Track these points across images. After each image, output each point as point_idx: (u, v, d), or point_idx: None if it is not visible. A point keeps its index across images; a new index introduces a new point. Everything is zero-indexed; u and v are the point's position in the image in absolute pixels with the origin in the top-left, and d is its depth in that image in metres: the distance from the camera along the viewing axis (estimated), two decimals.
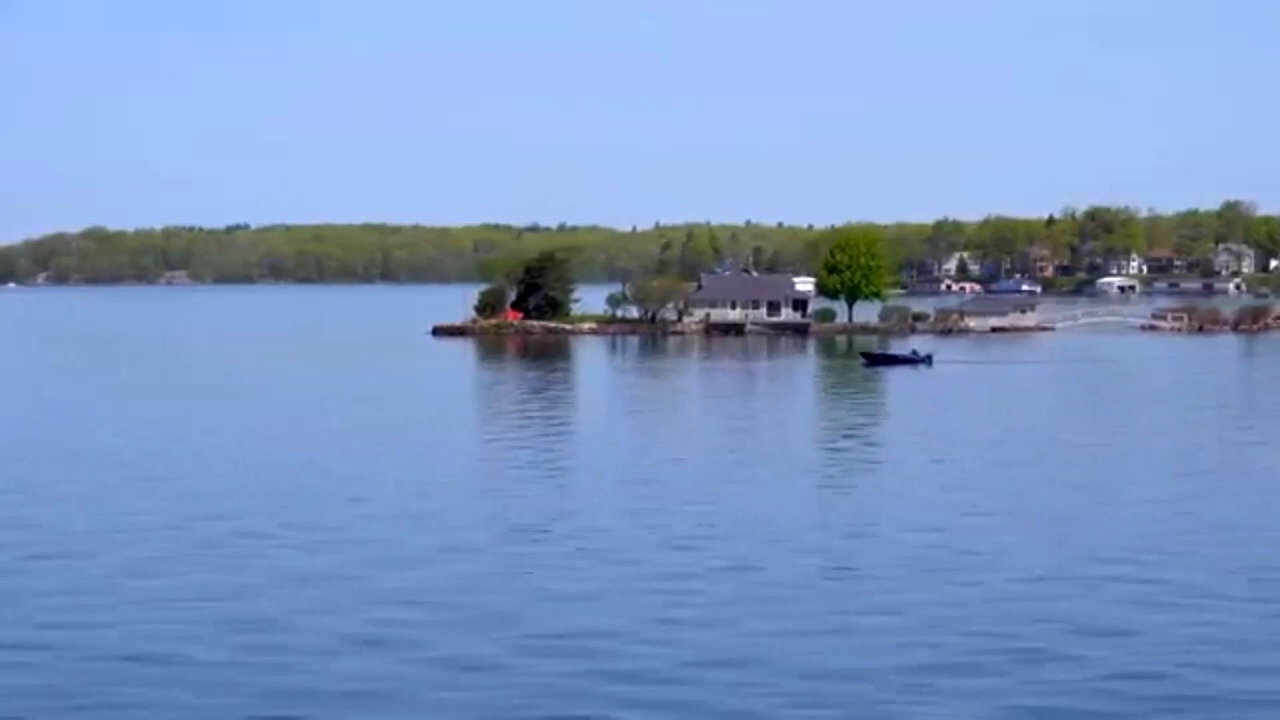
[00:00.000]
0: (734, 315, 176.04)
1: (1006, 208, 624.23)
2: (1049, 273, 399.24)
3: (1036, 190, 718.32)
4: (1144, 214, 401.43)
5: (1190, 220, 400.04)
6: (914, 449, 64.35)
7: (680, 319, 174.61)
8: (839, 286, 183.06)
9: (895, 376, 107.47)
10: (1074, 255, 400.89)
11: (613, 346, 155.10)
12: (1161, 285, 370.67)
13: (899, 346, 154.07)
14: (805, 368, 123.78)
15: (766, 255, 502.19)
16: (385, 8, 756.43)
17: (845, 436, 69.85)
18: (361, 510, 47.74)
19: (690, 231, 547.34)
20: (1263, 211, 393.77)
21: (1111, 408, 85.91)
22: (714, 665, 29.26)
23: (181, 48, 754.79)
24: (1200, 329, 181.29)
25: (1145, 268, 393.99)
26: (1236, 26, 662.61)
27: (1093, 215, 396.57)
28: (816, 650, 30.38)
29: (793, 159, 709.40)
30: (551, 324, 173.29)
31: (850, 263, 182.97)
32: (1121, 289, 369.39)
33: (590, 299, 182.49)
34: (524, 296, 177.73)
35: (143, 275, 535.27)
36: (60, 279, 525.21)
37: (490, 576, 37.48)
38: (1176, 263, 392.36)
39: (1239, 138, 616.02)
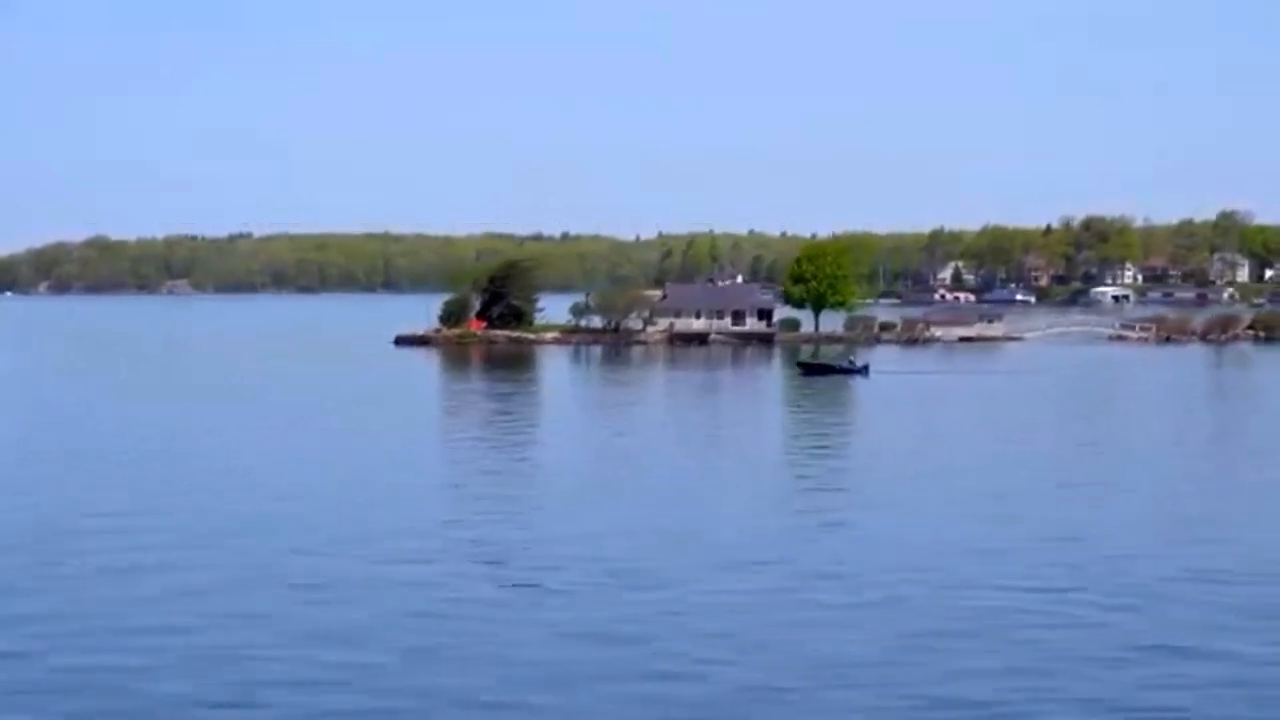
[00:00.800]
0: (698, 325, 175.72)
1: (1006, 215, 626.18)
2: (1044, 282, 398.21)
3: (1036, 195, 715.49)
4: (1139, 223, 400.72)
5: (1185, 230, 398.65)
6: (770, 463, 64.18)
7: (645, 329, 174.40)
8: (805, 296, 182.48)
9: (822, 387, 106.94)
10: (1069, 264, 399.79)
11: (576, 356, 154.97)
12: (1156, 295, 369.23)
13: (863, 356, 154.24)
14: (742, 379, 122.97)
15: (765, 264, 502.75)
16: (387, 10, 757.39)
17: (714, 451, 69.65)
18: (184, 520, 47.90)
19: (690, 240, 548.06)
20: (1260, 220, 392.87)
21: (1004, 423, 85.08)
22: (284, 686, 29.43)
23: (182, 49, 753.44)
24: (1167, 339, 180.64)
25: (1140, 277, 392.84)
26: (1237, 28, 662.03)
27: (1088, 225, 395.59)
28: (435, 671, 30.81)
29: (797, 164, 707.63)
30: (514, 333, 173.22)
31: (816, 273, 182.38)
32: (1116, 298, 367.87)
33: (555, 308, 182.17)
34: (488, 306, 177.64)
35: (144, 284, 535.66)
36: (61, 288, 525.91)
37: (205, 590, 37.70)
38: (1172, 272, 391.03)
39: (1240, 142, 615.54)
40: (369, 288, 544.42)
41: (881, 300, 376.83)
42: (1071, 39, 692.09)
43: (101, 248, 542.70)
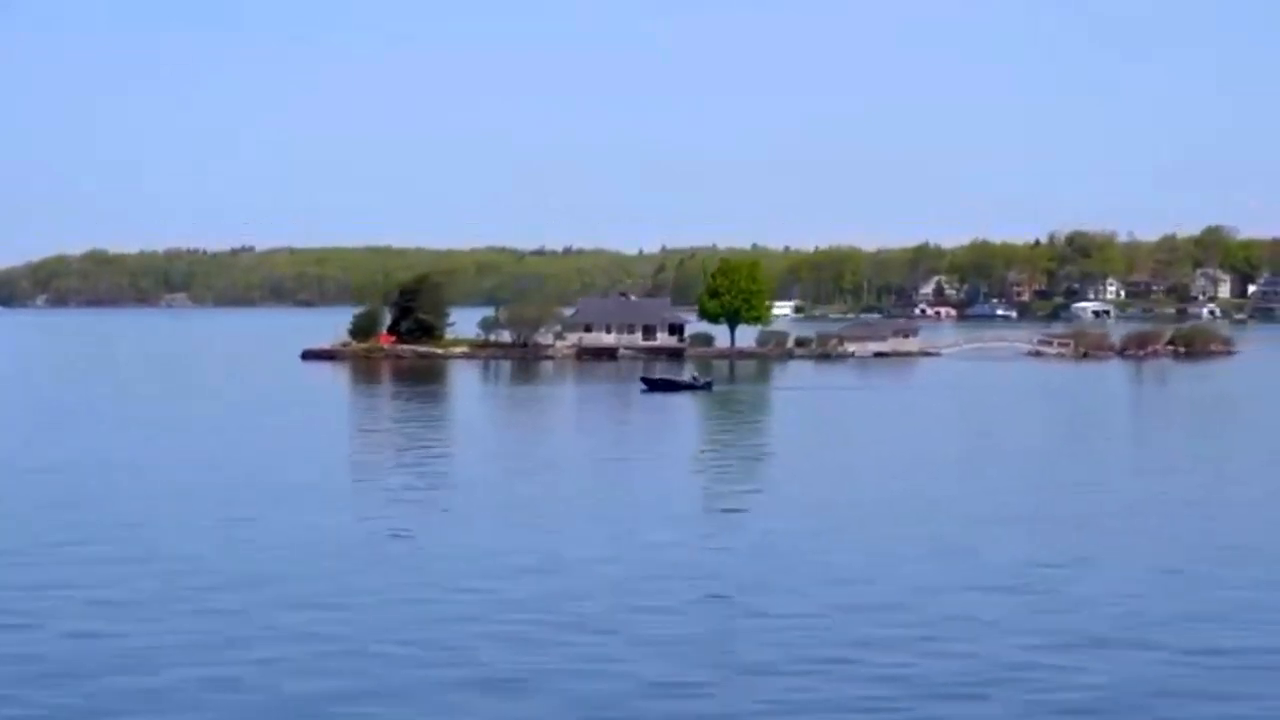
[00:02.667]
0: (609, 340, 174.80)
1: (999, 227, 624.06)
2: (1026, 297, 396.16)
3: (1031, 207, 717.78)
4: (1124, 238, 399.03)
5: (1167, 244, 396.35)
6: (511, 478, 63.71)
7: (555, 343, 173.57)
8: (719, 311, 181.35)
9: (660, 403, 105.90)
10: (1052, 279, 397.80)
11: (485, 371, 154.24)
12: (1136, 310, 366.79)
13: (780, 372, 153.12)
14: (584, 395, 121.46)
15: None
16: (392, 15, 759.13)
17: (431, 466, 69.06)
18: None
19: (690, 254, 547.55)
20: (1245, 235, 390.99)
21: (786, 441, 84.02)
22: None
23: (182, 55, 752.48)
24: (1084, 355, 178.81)
25: (1123, 292, 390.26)
26: (1236, 35, 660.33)
27: (1071, 240, 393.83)
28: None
29: (802, 175, 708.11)
30: (422, 348, 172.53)
31: (731, 287, 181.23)
32: (1096, 314, 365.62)
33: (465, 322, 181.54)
34: (399, 320, 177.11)
35: (143, 297, 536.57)
36: (60, 300, 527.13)
37: None
38: (1155, 287, 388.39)
39: (1233, 155, 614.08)
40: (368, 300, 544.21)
41: (864, 315, 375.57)
42: (1070, 48, 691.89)
43: (100, 261, 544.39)
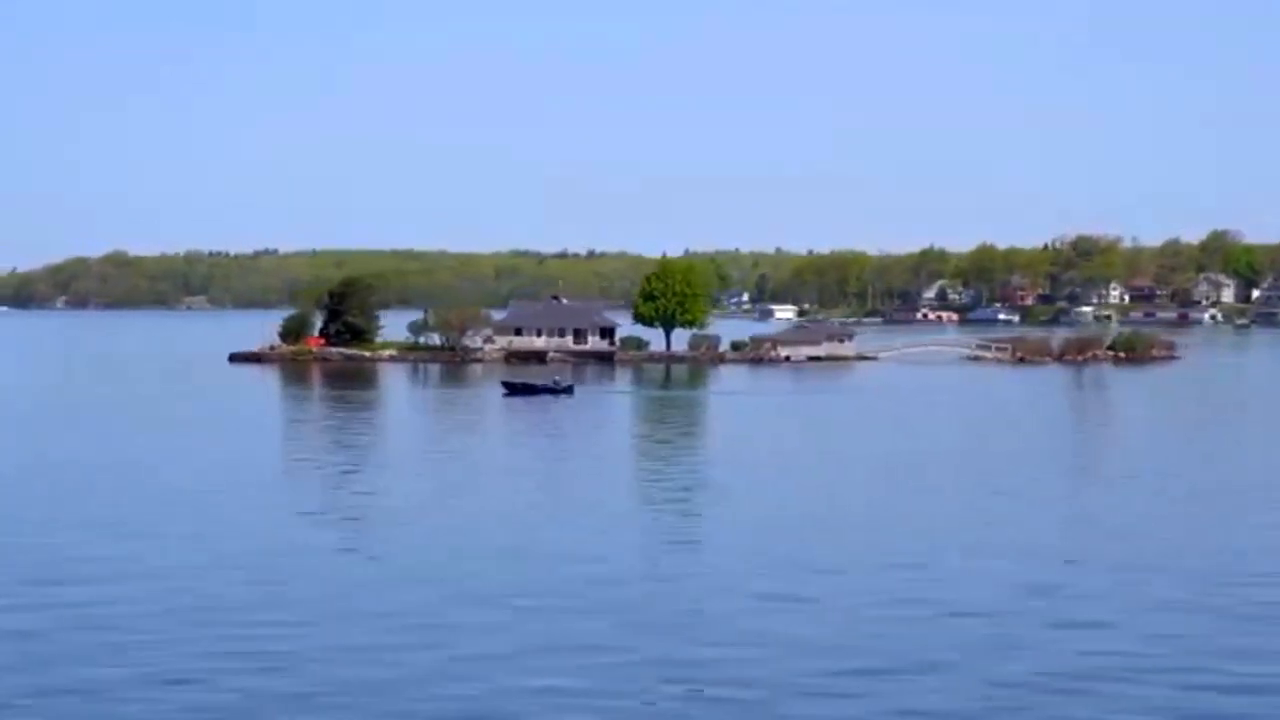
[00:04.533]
0: (539, 343, 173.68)
1: (1004, 232, 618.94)
2: (1029, 301, 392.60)
3: (1034, 211, 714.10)
4: (1128, 243, 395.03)
5: (1170, 249, 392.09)
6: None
7: (484, 347, 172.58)
8: (654, 315, 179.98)
9: (517, 408, 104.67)
10: (1054, 284, 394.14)
11: (414, 374, 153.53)
12: (1138, 315, 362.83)
13: (714, 376, 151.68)
14: (447, 401, 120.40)
15: (770, 283, 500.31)
16: (421, 20, 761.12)
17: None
18: None
19: (710, 258, 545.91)
20: (1249, 240, 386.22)
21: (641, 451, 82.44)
22: None
23: (208, 54, 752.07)
24: (1022, 360, 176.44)
25: (1126, 297, 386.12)
26: (1239, 41, 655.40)
27: (1075, 244, 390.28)
28: None
29: (822, 181, 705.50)
30: (350, 351, 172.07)
31: (666, 290, 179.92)
32: (1097, 318, 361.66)
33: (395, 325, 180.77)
34: (329, 323, 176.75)
35: (162, 300, 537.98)
36: (79, 303, 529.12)
37: None
38: (1159, 292, 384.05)
39: (1238, 160, 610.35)
40: (382, 303, 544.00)
41: (865, 320, 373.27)
42: (1074, 53, 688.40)
43: (120, 263, 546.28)
